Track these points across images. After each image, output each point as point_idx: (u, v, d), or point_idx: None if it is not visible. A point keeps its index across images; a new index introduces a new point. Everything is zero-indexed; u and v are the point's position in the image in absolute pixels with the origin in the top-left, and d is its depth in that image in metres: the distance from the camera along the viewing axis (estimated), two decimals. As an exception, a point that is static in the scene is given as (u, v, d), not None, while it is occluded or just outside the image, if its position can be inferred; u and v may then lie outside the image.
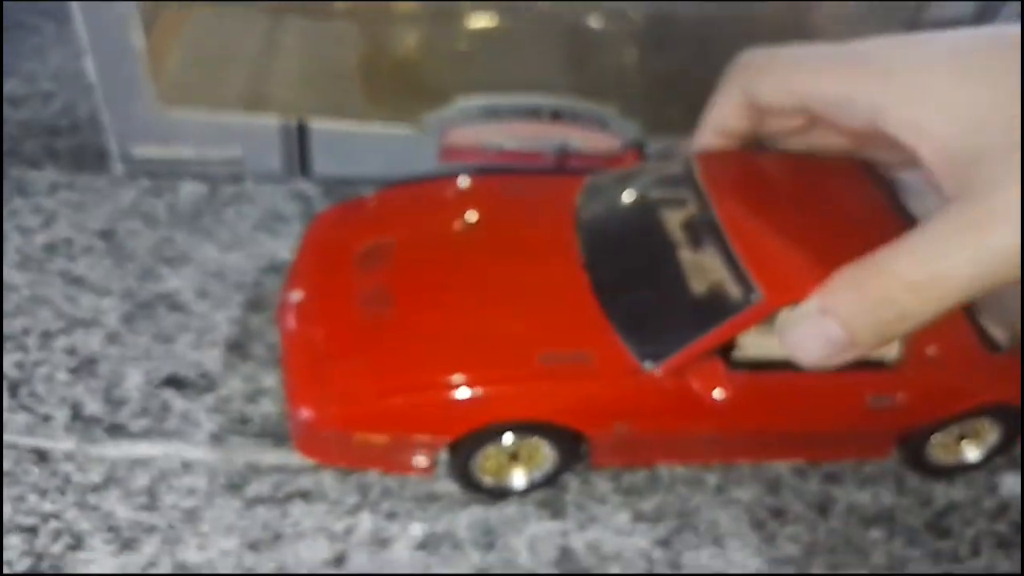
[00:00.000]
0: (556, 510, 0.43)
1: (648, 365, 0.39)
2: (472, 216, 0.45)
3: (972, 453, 0.46)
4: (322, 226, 0.47)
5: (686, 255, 0.41)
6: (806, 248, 0.38)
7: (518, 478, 0.42)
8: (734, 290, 0.38)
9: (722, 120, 0.42)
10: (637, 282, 0.41)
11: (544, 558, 0.42)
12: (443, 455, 0.41)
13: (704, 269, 0.40)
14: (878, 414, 0.42)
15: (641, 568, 0.42)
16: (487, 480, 0.42)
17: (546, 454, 0.41)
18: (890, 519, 0.45)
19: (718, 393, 0.37)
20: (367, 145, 0.55)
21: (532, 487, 0.42)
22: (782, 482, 0.46)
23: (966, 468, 0.47)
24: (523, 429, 0.40)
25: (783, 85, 0.38)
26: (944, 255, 0.30)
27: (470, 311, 0.41)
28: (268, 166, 0.56)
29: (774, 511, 0.45)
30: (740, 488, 0.45)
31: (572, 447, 0.41)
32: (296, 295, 0.42)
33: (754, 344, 0.39)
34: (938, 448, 0.45)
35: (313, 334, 0.40)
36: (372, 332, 0.40)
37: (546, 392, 0.38)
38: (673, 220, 0.43)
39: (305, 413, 0.39)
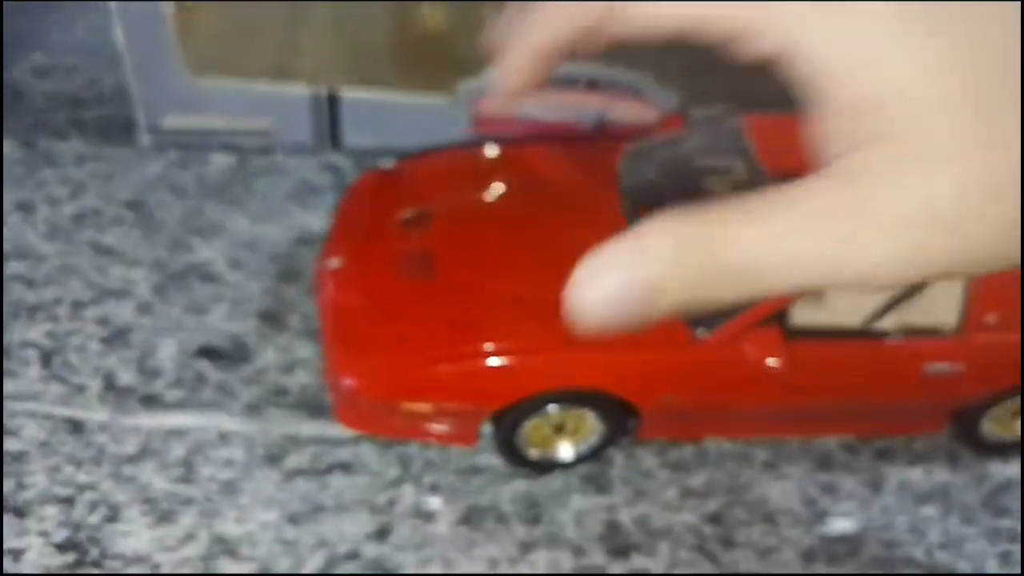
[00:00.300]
0: (602, 484, 0.42)
1: (701, 332, 0.37)
2: (511, 183, 0.44)
3: (1029, 428, 0.44)
4: (358, 193, 0.46)
5: None
6: None
7: (565, 450, 0.41)
8: None
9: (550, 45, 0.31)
10: None
11: (591, 532, 0.40)
12: (487, 427, 0.40)
13: None
14: (934, 384, 0.40)
15: (691, 544, 0.41)
16: (533, 452, 0.40)
17: (593, 426, 0.40)
18: (945, 496, 0.44)
19: (773, 361, 0.36)
20: (398, 115, 0.54)
21: (579, 460, 0.41)
22: (832, 458, 0.45)
23: (1020, 445, 0.45)
24: (570, 399, 0.38)
25: (654, 10, 0.27)
26: (809, 239, 0.21)
27: (514, 277, 0.40)
28: (298, 137, 0.54)
29: (825, 487, 0.44)
30: (790, 464, 0.44)
31: (620, 418, 0.40)
32: (334, 262, 0.41)
33: (803, 312, 0.38)
34: (993, 422, 0.44)
35: (353, 302, 0.39)
36: (415, 299, 0.39)
37: (594, 360, 0.37)
38: (721, 184, 0.42)
39: (348, 382, 0.37)
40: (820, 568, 0.41)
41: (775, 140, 0.41)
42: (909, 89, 0.23)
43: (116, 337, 0.44)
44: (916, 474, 0.45)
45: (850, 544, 0.42)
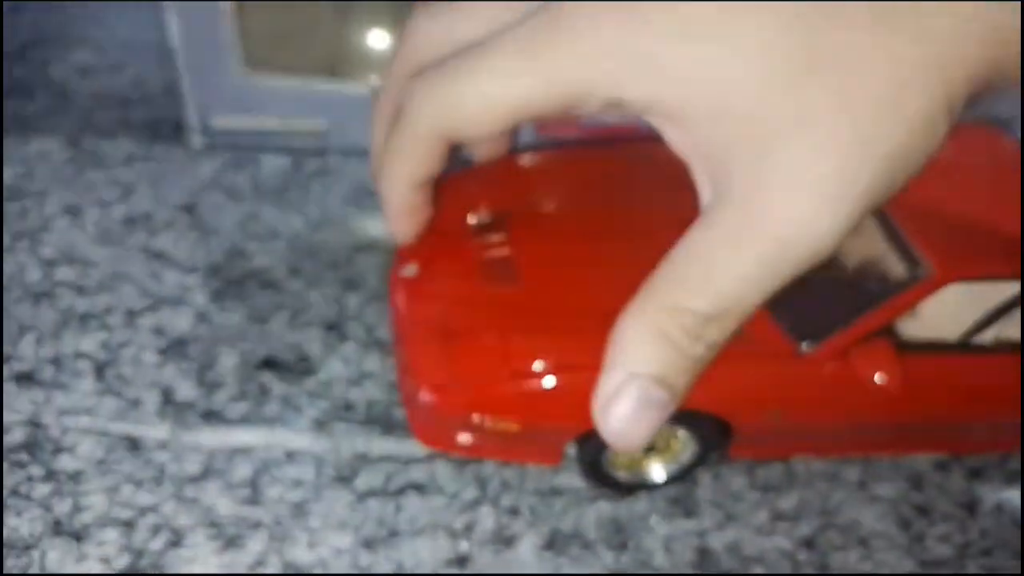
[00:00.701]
0: (689, 508, 0.40)
1: (806, 347, 0.35)
2: (586, 185, 0.42)
3: None
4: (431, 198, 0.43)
5: None
6: (966, 218, 0.35)
7: (657, 471, 0.39)
8: (896, 265, 0.34)
9: (417, 174, 0.32)
10: None
11: (681, 559, 0.38)
12: (571, 448, 0.38)
13: (857, 243, 0.36)
14: None
15: (786, 570, 0.38)
16: (622, 474, 0.38)
17: (684, 444, 0.38)
18: (1044, 519, 0.41)
19: (880, 377, 0.34)
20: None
21: (670, 480, 0.39)
22: (924, 478, 0.42)
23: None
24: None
25: (485, 106, 0.28)
26: (730, 275, 0.25)
27: (600, 286, 0.37)
28: (353, 138, 0.52)
29: (920, 508, 0.41)
30: (881, 484, 0.42)
31: (714, 437, 0.37)
32: (409, 270, 0.38)
33: (906, 326, 0.35)
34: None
35: (431, 311, 0.37)
36: (498, 308, 0.36)
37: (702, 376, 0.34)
38: None
39: (427, 397, 0.35)
40: (922, 596, 0.38)
41: None
42: (735, 107, 0.24)
43: (173, 348, 0.42)
44: (1012, 495, 0.42)
45: (950, 568, 0.39)
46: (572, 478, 0.40)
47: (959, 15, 0.23)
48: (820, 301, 0.36)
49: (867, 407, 0.36)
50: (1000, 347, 0.37)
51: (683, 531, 0.39)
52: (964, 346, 0.37)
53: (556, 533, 0.38)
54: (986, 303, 0.36)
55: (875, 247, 0.36)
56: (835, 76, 0.24)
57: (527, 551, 0.37)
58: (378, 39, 0.54)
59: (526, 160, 0.45)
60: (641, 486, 0.39)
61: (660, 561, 0.38)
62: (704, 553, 0.38)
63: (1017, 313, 0.36)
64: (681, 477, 0.39)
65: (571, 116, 0.30)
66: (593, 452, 0.37)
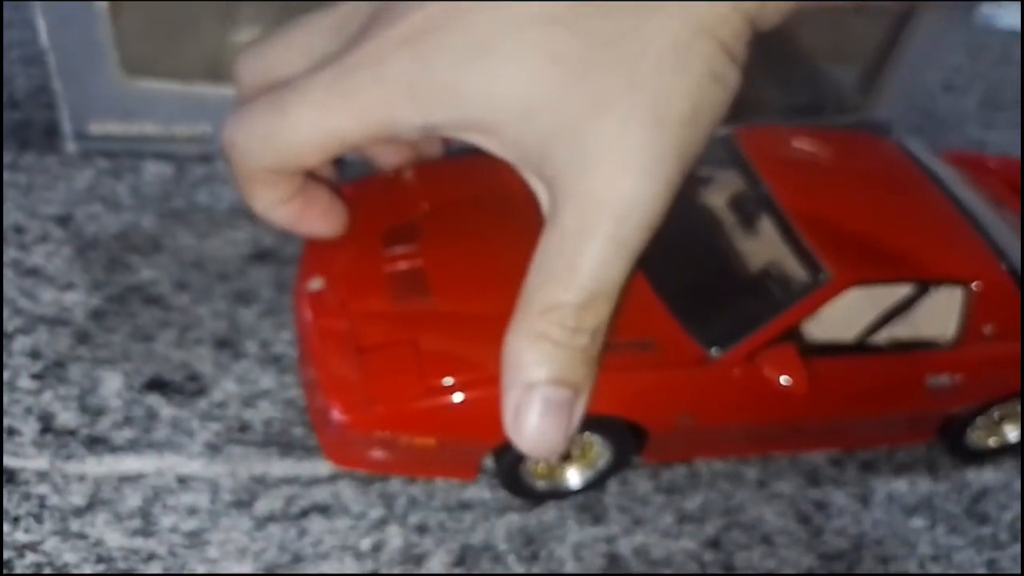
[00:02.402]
0: (597, 514, 0.40)
1: (715, 352, 0.35)
2: (496, 193, 0.41)
3: (1013, 434, 0.44)
4: None
5: (736, 235, 0.38)
6: (863, 223, 0.36)
7: (573, 477, 0.38)
8: (798, 270, 0.36)
9: (275, 198, 0.33)
10: (690, 265, 0.38)
11: (592, 566, 0.38)
12: (487, 459, 0.37)
13: (758, 249, 0.37)
14: (934, 396, 0.40)
15: (693, 572, 0.39)
16: (540, 484, 0.38)
17: (600, 451, 0.38)
18: (930, 507, 0.43)
19: (785, 379, 0.35)
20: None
21: (588, 487, 0.39)
22: (820, 473, 0.44)
23: (999, 451, 0.45)
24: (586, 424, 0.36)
25: (300, 141, 0.30)
26: (587, 261, 0.27)
27: (513, 297, 0.37)
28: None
29: (817, 504, 0.42)
30: (780, 481, 0.43)
31: (629, 442, 0.37)
32: (316, 283, 0.37)
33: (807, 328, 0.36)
34: (979, 431, 0.44)
35: (340, 327, 0.35)
36: (410, 322, 0.35)
37: (608, 384, 0.34)
38: (716, 199, 0.40)
39: (339, 416, 0.34)
40: (822, 588, 0.39)
41: (770, 151, 0.40)
42: (538, 122, 0.27)
43: (51, 371, 0.39)
44: (901, 485, 0.44)
45: (847, 561, 0.41)
46: (480, 491, 0.39)
47: None
48: (726, 307, 0.37)
49: (774, 409, 0.37)
50: (893, 347, 0.38)
51: (592, 538, 0.39)
52: (862, 347, 0.39)
53: (466, 548, 0.37)
54: (879, 305, 0.37)
55: (777, 253, 0.36)
56: (617, 58, 0.26)
57: (437, 568, 0.36)
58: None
59: (434, 168, 0.43)
60: (560, 494, 0.39)
61: (571, 569, 0.38)
62: (613, 559, 0.38)
63: (909, 314, 0.37)
64: (598, 483, 0.39)
65: (395, 142, 0.31)
66: (511, 464, 0.36)
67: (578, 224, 0.27)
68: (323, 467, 0.39)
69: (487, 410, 0.33)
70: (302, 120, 0.29)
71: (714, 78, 0.26)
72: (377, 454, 0.35)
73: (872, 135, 0.43)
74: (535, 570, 0.37)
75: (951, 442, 0.44)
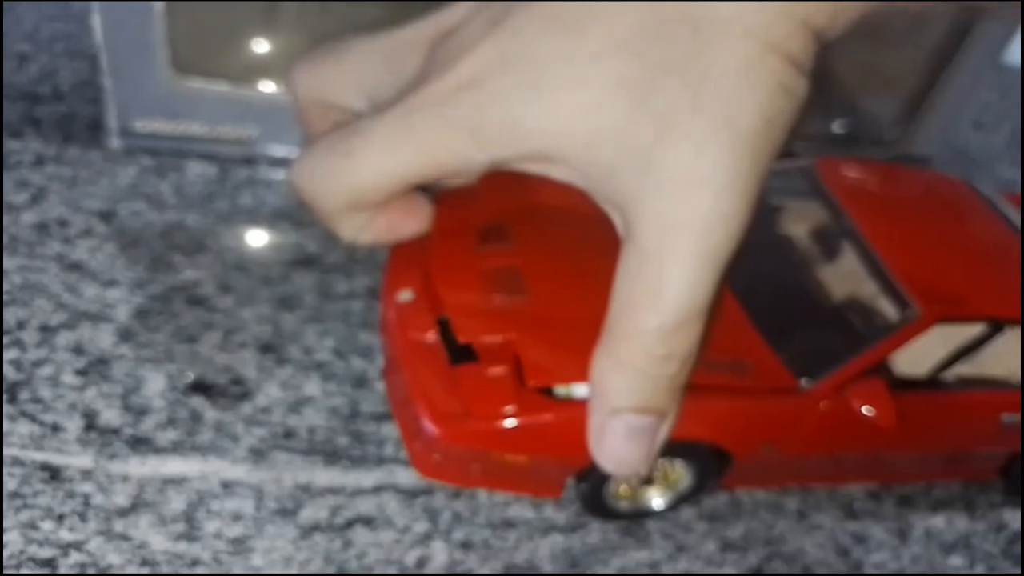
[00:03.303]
0: (640, 539, 0.39)
1: (805, 383, 0.36)
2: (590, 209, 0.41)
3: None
4: None
5: (820, 265, 0.39)
6: (943, 260, 0.37)
7: (655, 499, 0.39)
8: (886, 305, 0.36)
9: (358, 226, 0.33)
10: (779, 292, 0.38)
11: (635, 591, 0.38)
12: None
13: (842, 280, 0.37)
14: (1005, 433, 0.40)
15: (736, 601, 0.38)
16: (622, 505, 0.38)
17: (682, 474, 0.38)
18: (968, 546, 0.43)
19: (870, 411, 0.35)
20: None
21: (668, 508, 0.39)
22: (858, 506, 0.44)
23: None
24: (668, 450, 0.36)
25: (373, 181, 0.30)
26: (673, 282, 0.27)
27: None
28: (284, 148, 0.50)
29: (856, 537, 0.42)
30: (820, 513, 0.43)
31: (712, 467, 0.37)
32: (405, 295, 0.36)
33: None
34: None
35: (431, 338, 0.35)
36: (509, 319, 0.35)
37: (698, 408, 0.34)
38: (798, 228, 0.40)
39: (433, 428, 0.33)
40: (863, 624, 0.39)
41: (850, 184, 0.40)
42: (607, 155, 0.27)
43: (94, 368, 0.39)
44: (939, 522, 0.44)
45: (887, 597, 0.40)
46: (524, 509, 0.39)
47: None
48: (816, 338, 0.37)
49: (857, 441, 0.38)
50: (966, 383, 0.39)
51: (636, 562, 0.38)
52: (936, 382, 0.39)
53: (511, 567, 0.37)
54: (950, 341, 0.37)
55: (862, 286, 0.37)
56: (683, 80, 0.26)
57: (481, 587, 0.36)
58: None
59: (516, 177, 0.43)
60: (641, 515, 0.39)
61: (615, 594, 0.37)
62: (657, 585, 0.38)
63: (983, 353, 0.37)
64: (677, 505, 0.39)
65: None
66: (594, 485, 0.36)
67: (659, 246, 0.27)
68: (368, 478, 0.38)
69: (580, 431, 0.33)
70: (367, 163, 0.29)
71: (783, 90, 0.26)
72: (468, 468, 0.34)
73: (949, 177, 0.43)
74: (579, 592, 0.37)
75: (1009, 480, 0.44)
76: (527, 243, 0.38)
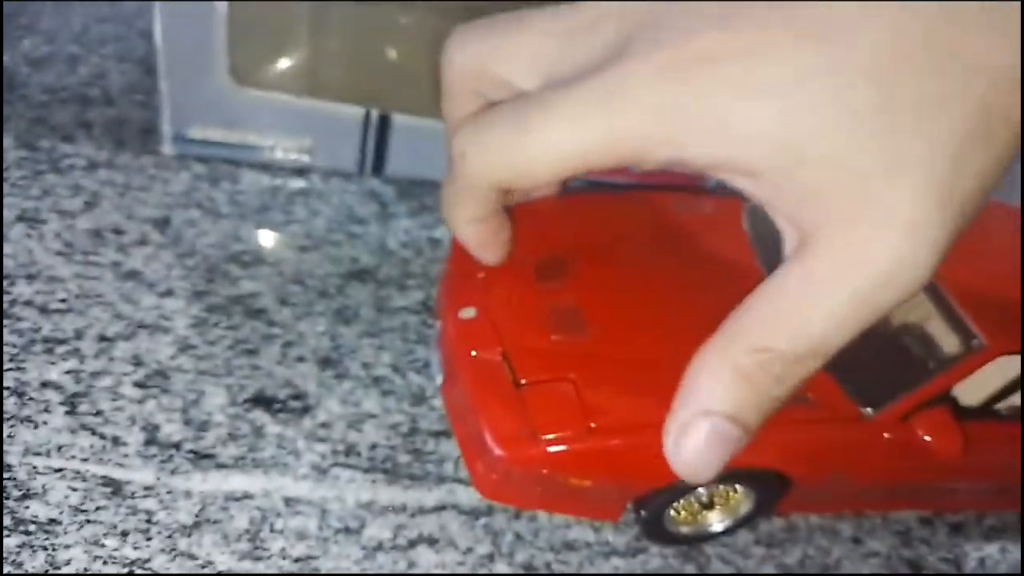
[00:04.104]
0: (700, 564, 0.39)
1: (869, 412, 0.35)
2: (642, 232, 0.40)
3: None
4: None
5: None
6: (1002, 290, 0.36)
7: (715, 523, 0.38)
8: (949, 335, 0.36)
9: (479, 215, 0.33)
10: None
11: (697, 618, 0.37)
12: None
13: (906, 311, 0.37)
14: None
15: (797, 629, 0.38)
16: (683, 529, 0.38)
17: (742, 499, 0.37)
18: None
19: (938, 442, 0.35)
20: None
21: (726, 532, 0.39)
22: (912, 533, 0.43)
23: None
24: (731, 477, 0.36)
25: (543, 162, 0.28)
26: (822, 315, 0.25)
27: (667, 340, 0.36)
28: (340, 160, 0.49)
29: (911, 563, 0.42)
30: (874, 539, 0.42)
31: (774, 493, 0.37)
32: (468, 312, 0.36)
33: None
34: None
35: (496, 357, 0.35)
36: (568, 359, 0.35)
37: (765, 435, 0.34)
38: None
39: (499, 450, 0.33)
40: (922, 654, 0.39)
41: None
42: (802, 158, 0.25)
43: (153, 380, 0.38)
44: (993, 551, 0.44)
45: (944, 627, 0.40)
46: (584, 532, 0.38)
47: (1011, 45, 0.24)
48: (880, 368, 0.37)
49: (920, 470, 0.37)
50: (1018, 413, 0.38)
51: (696, 588, 0.38)
52: (998, 412, 0.39)
53: (573, 591, 0.37)
54: (1007, 374, 0.37)
55: (924, 315, 0.36)
56: (921, 121, 0.24)
57: (545, 611, 0.36)
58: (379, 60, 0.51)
59: (580, 201, 0.43)
60: (699, 539, 0.39)
61: (677, 620, 0.37)
62: (719, 612, 0.38)
63: None
64: (734, 529, 0.39)
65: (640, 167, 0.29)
66: (656, 510, 0.36)
67: (827, 275, 0.25)
68: (429, 497, 0.38)
69: (647, 456, 0.33)
70: (549, 137, 0.27)
71: (1010, 147, 0.25)
72: (530, 490, 0.34)
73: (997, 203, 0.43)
74: (642, 618, 0.36)
75: None
76: (587, 280, 0.37)
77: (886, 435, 0.36)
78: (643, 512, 0.37)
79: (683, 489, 0.36)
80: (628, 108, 0.26)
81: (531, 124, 0.27)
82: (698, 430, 0.27)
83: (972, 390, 0.38)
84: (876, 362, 0.36)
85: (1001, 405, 0.39)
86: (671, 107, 0.25)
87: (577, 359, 0.34)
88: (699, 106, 0.25)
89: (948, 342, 0.36)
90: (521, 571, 0.36)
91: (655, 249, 0.40)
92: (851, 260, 0.25)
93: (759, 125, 0.25)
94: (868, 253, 0.25)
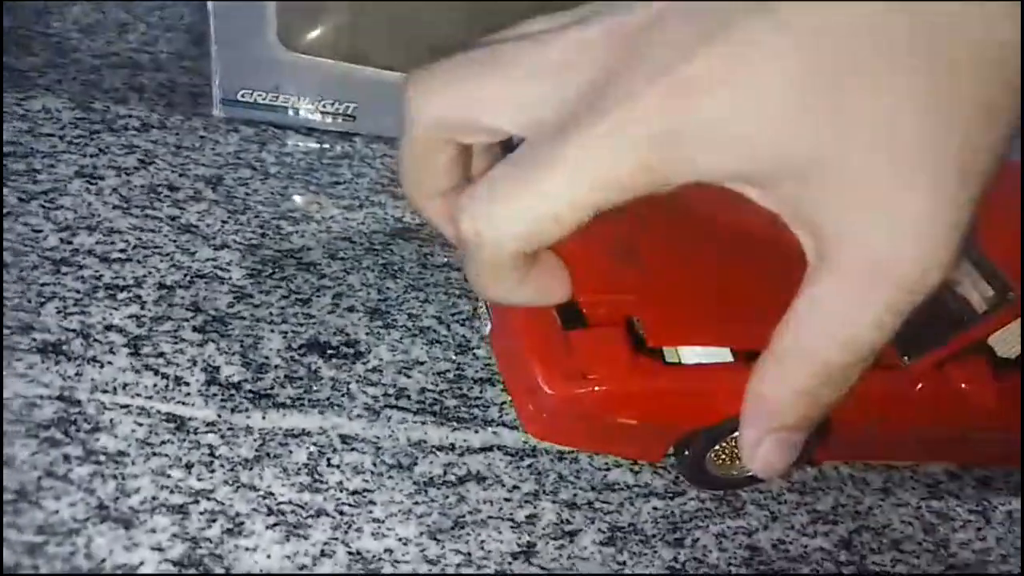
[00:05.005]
0: (736, 507, 0.40)
1: (905, 360, 0.37)
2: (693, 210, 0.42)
3: None
4: None
5: None
6: None
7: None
8: (984, 287, 0.37)
9: (513, 285, 0.30)
10: None
11: (735, 556, 0.38)
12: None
13: None
14: None
15: (830, 572, 0.39)
16: (723, 473, 0.39)
17: None
18: (1049, 527, 0.44)
19: (975, 391, 0.36)
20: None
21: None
22: (940, 486, 0.44)
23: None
24: None
25: (571, 214, 0.27)
26: (866, 324, 0.26)
27: (720, 287, 0.38)
28: (381, 125, 0.51)
29: (941, 515, 0.43)
30: (904, 490, 0.44)
31: (813, 440, 0.38)
32: None
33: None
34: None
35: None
36: (619, 300, 0.36)
37: None
38: None
39: (549, 390, 0.34)
40: (952, 598, 0.40)
41: None
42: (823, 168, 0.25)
43: (212, 325, 0.40)
44: (1020, 504, 0.45)
45: (975, 573, 0.41)
46: (624, 474, 0.40)
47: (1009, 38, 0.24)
48: (917, 319, 0.38)
49: (956, 419, 0.38)
50: None
51: (732, 529, 0.39)
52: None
53: (615, 529, 0.38)
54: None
55: (966, 271, 0.38)
56: (937, 126, 0.24)
57: (589, 545, 0.37)
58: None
59: None
60: (739, 483, 0.40)
61: (715, 557, 0.38)
62: (754, 550, 0.39)
63: None
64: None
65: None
66: (698, 453, 0.38)
67: (861, 284, 0.26)
68: (476, 438, 0.39)
69: (692, 395, 0.34)
70: (565, 192, 0.26)
71: (1008, 138, 0.25)
72: (576, 429, 0.35)
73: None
74: (682, 556, 0.38)
75: None
76: (643, 218, 0.39)
77: (921, 384, 0.37)
78: (686, 452, 0.38)
79: (724, 431, 0.37)
80: (637, 146, 0.25)
81: (540, 183, 0.26)
82: (772, 443, 0.29)
83: (1009, 343, 0.39)
84: (913, 313, 0.38)
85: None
86: (679, 134, 0.25)
87: (634, 282, 0.36)
88: (704, 126, 0.25)
89: (983, 294, 0.38)
90: (567, 509, 0.38)
91: (699, 207, 0.41)
92: (878, 269, 0.25)
93: (765, 138, 0.25)
94: (893, 261, 0.25)
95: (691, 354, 0.37)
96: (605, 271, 0.36)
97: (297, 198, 0.47)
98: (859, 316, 0.26)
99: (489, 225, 0.27)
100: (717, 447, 0.38)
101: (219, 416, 0.37)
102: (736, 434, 0.38)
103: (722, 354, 0.36)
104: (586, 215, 0.26)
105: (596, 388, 0.35)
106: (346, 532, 0.35)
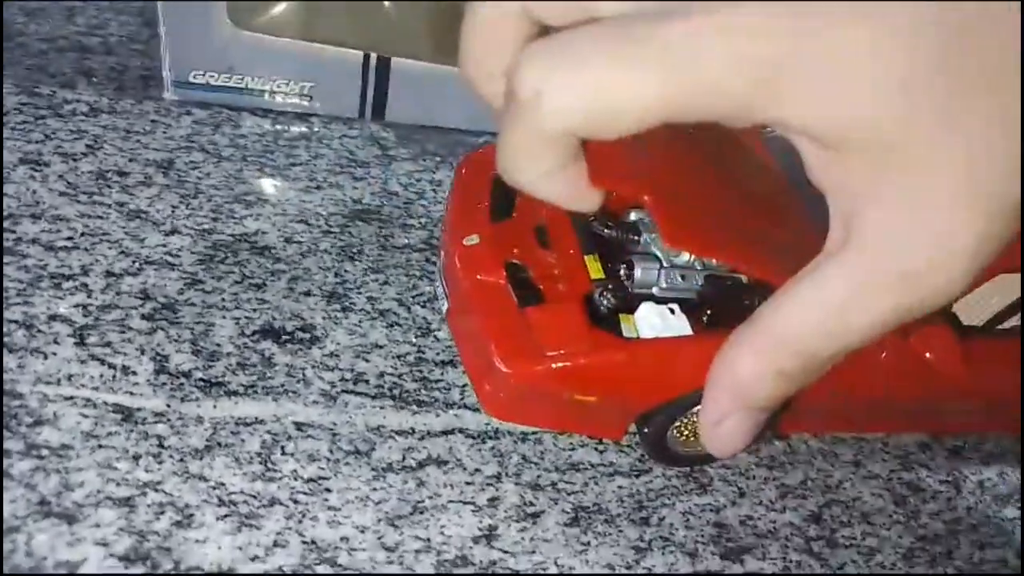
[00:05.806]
0: (702, 484, 0.40)
1: None
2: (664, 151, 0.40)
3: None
4: (477, 167, 0.41)
5: None
6: None
7: None
8: None
9: (548, 169, 0.27)
10: None
11: (702, 534, 0.38)
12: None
13: None
14: None
15: (799, 547, 0.39)
16: (684, 450, 0.38)
17: None
18: (1021, 498, 0.44)
19: (939, 359, 0.35)
20: (448, 91, 0.50)
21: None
22: (911, 457, 0.44)
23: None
24: None
25: (636, 109, 0.24)
26: (866, 320, 0.25)
27: (733, 210, 0.37)
28: (340, 104, 0.50)
29: (911, 486, 0.43)
30: (874, 462, 0.43)
31: (775, 414, 0.38)
32: (472, 239, 0.37)
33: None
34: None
35: (500, 279, 0.35)
36: (572, 276, 0.35)
37: None
38: None
39: (506, 368, 0.34)
40: (922, 569, 0.39)
41: None
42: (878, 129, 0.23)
43: (162, 313, 0.39)
44: (991, 474, 0.44)
45: (946, 546, 0.41)
46: (588, 454, 0.39)
47: None
48: None
49: (921, 388, 0.38)
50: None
51: (699, 506, 0.39)
52: (1000, 332, 0.39)
53: (579, 509, 0.37)
54: (1009, 294, 0.38)
55: None
56: (998, 140, 0.23)
57: (552, 527, 0.36)
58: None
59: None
60: (704, 459, 0.39)
61: (681, 536, 0.37)
62: (722, 527, 0.38)
63: None
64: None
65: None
66: (658, 430, 0.37)
67: (872, 281, 0.25)
68: (437, 421, 0.38)
69: (651, 370, 0.33)
70: (649, 82, 0.23)
71: None
72: (537, 408, 0.35)
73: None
74: (648, 534, 0.37)
75: None
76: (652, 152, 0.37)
77: (886, 352, 0.36)
78: (646, 429, 0.37)
79: (683, 406, 0.36)
80: (745, 58, 0.22)
81: (631, 62, 0.23)
82: (739, 420, 0.28)
83: (974, 310, 0.38)
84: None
85: (1004, 325, 0.39)
86: (782, 68, 0.23)
87: (582, 275, 0.35)
88: (807, 72, 0.23)
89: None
90: (530, 491, 0.37)
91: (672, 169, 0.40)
92: (903, 271, 0.24)
93: (865, 103, 0.23)
94: (922, 265, 0.24)
95: (649, 328, 0.36)
96: (550, 261, 0.36)
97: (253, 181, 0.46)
98: (863, 312, 0.25)
99: (553, 87, 0.23)
100: (678, 423, 0.37)
101: (168, 406, 0.36)
102: (697, 409, 0.37)
103: (681, 327, 0.36)
104: (650, 122, 0.23)
105: (554, 365, 0.34)
106: (300, 521, 0.34)
